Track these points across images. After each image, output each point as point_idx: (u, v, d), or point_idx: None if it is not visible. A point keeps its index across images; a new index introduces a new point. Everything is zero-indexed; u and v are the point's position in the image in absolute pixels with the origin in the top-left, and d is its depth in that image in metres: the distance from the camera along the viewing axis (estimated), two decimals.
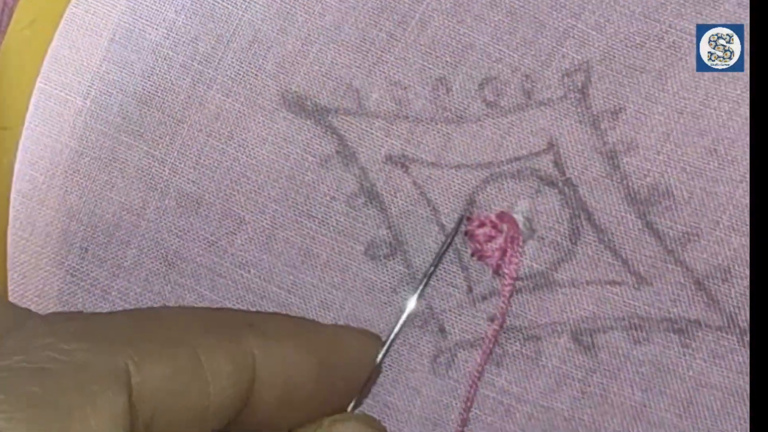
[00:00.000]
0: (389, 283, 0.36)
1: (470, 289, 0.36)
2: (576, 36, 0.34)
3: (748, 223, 0.34)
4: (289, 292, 0.35)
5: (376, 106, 0.35)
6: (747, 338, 0.35)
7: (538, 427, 0.36)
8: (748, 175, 0.34)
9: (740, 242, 0.34)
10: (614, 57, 0.34)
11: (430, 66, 0.34)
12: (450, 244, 0.34)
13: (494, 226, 0.35)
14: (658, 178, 0.35)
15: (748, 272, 0.34)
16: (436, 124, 0.35)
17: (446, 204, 0.35)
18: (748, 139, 0.34)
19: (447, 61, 0.34)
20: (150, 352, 0.26)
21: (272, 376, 0.29)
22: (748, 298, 0.35)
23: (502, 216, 0.35)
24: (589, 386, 0.36)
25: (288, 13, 0.34)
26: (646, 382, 0.35)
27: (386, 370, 0.36)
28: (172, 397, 0.26)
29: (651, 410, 0.35)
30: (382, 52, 0.35)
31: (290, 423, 0.30)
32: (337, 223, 0.35)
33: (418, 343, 0.36)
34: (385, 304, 0.36)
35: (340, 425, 0.31)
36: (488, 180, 0.35)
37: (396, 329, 0.34)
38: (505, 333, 0.35)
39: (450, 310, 0.36)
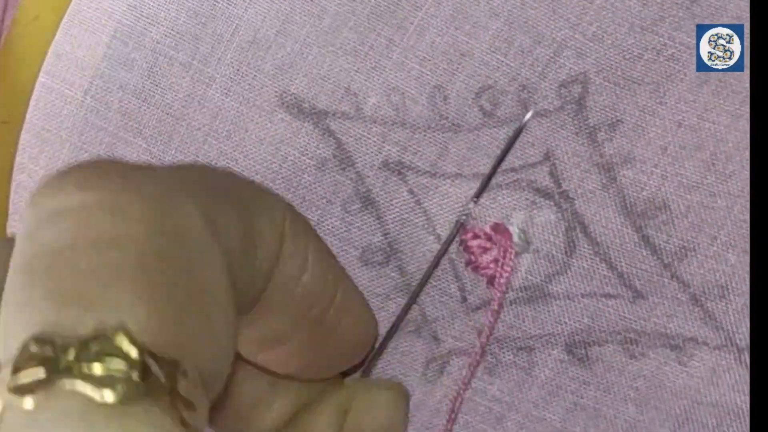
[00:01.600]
0: (383, 289, 0.42)
1: (464, 299, 0.41)
2: (573, 47, 0.39)
3: (746, 239, 0.40)
4: None
5: (374, 111, 0.41)
6: (744, 357, 0.40)
7: None
8: (746, 190, 0.40)
9: (737, 259, 0.40)
10: (612, 69, 0.39)
11: (428, 73, 0.40)
12: (443, 254, 0.41)
13: (488, 238, 0.41)
14: (655, 192, 0.40)
15: (745, 289, 0.39)
16: (433, 132, 0.41)
17: (441, 214, 0.41)
18: (746, 153, 0.39)
19: (445, 69, 0.40)
20: (224, 212, 0.29)
21: (294, 251, 0.32)
22: (746, 316, 0.40)
23: (497, 227, 0.40)
24: (582, 398, 0.41)
25: (287, 15, 0.40)
26: (641, 397, 0.41)
27: (378, 374, 0.42)
28: (235, 258, 0.29)
29: (644, 426, 0.41)
30: (380, 57, 0.40)
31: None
32: (332, 227, 0.41)
33: (411, 350, 0.42)
34: (379, 309, 0.41)
35: (377, 391, 0.38)
36: (483, 193, 0.41)
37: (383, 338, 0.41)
38: (498, 342, 0.41)
39: (443, 319, 0.41)
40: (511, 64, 0.40)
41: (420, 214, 0.41)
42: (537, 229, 0.40)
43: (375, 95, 0.40)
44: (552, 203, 0.40)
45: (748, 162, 0.39)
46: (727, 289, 0.40)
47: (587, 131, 0.40)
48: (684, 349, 0.40)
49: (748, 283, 0.40)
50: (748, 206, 0.39)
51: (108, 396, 0.22)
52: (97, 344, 0.23)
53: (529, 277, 0.41)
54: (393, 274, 0.41)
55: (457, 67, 0.40)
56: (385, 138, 0.40)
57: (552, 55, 0.39)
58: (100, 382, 0.22)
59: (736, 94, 0.39)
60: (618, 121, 0.40)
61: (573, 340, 0.41)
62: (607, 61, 0.39)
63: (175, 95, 0.41)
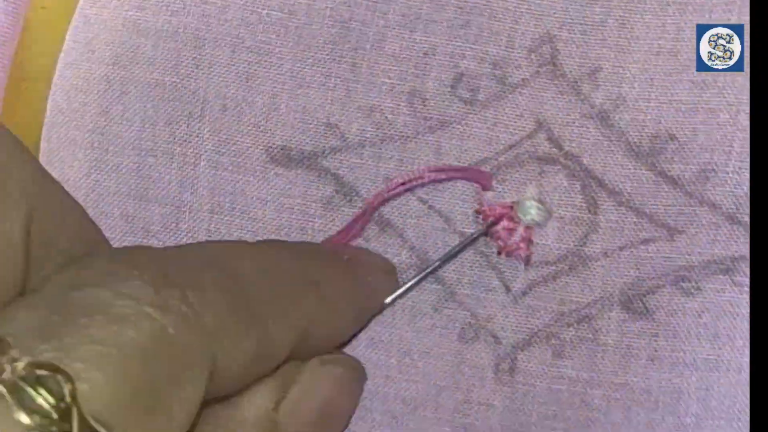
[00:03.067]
0: (429, 303, 0.47)
1: (508, 289, 0.46)
2: (529, 11, 0.45)
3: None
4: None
5: (360, 136, 0.46)
6: None
7: (619, 407, 0.47)
8: (744, 97, 0.45)
9: None
10: (572, 19, 0.43)
11: (399, 82, 0.45)
12: (474, 240, 0.46)
13: (510, 219, 0.46)
14: (656, 126, 0.44)
15: None
16: (423, 135, 0.46)
17: (457, 210, 0.45)
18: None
19: (413, 73, 0.45)
20: (235, 335, 0.34)
21: (319, 333, 0.39)
22: None
23: (513, 206, 0.46)
24: (657, 351, 0.45)
25: (248, 73, 0.46)
26: (711, 331, 0.45)
27: (452, 391, 0.48)
28: (242, 371, 0.35)
29: (726, 358, 0.46)
30: (348, 82, 0.45)
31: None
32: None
33: (476, 358, 0.47)
34: (431, 327, 0.47)
35: (330, 366, 0.41)
36: (494, 176, 0.46)
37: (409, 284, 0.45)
38: (556, 322, 0.46)
39: (496, 316, 0.45)
40: (475, 47, 0.45)
41: (437, 219, 0.46)
42: (553, 196, 0.46)
43: (356, 121, 0.46)
44: (560, 167, 0.46)
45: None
46: None
47: (570, 87, 0.45)
48: (736, 270, 0.45)
49: None
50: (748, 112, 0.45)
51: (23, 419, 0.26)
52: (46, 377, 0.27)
53: (562, 245, 0.46)
54: (432, 285, 0.47)
55: (425, 67, 0.46)
56: (380, 157, 0.46)
57: (511, 25, 0.45)
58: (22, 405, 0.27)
59: (702, 7, 0.44)
60: (596, 68, 0.45)
61: (627, 296, 0.46)
62: (565, 14, 0.44)
63: (168, 185, 0.48)
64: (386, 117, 0.45)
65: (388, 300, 0.45)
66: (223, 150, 0.46)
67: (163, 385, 0.31)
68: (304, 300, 0.38)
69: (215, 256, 0.37)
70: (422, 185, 0.45)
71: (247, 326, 0.35)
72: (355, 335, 0.45)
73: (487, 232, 0.45)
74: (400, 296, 0.45)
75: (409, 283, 0.45)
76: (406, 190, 0.45)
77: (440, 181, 0.45)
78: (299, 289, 0.39)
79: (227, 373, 0.34)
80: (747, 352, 0.45)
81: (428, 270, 0.45)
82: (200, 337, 0.32)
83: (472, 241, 0.45)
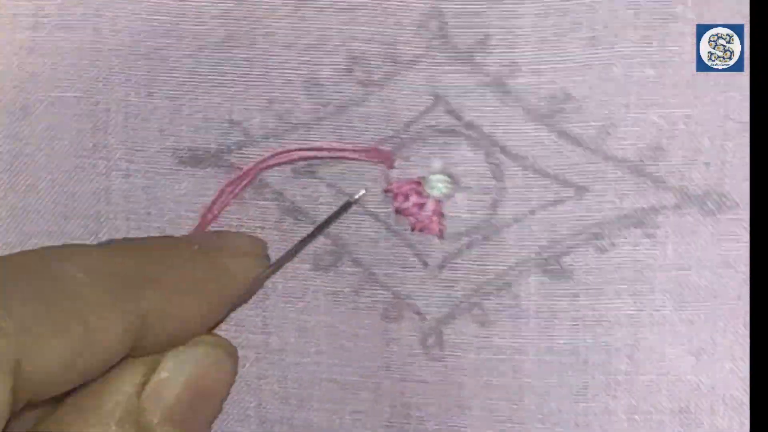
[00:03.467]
0: (349, 287, 0.48)
1: (425, 264, 0.47)
2: None
3: (659, 94, 0.45)
4: (266, 334, 0.49)
5: (263, 129, 0.46)
6: (708, 205, 0.46)
7: (553, 370, 0.48)
8: (635, 48, 0.46)
9: (660, 114, 0.45)
10: None
11: (293, 71, 0.46)
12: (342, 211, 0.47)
13: (419, 194, 0.48)
14: (552, 87, 0.45)
15: (678, 142, 0.45)
16: (324, 121, 0.46)
17: (366, 192, 0.47)
18: (626, 12, 0.46)
19: (307, 60, 0.46)
20: (42, 338, 0.35)
21: (165, 325, 0.40)
22: (690, 164, 0.45)
23: (420, 181, 0.47)
24: (579, 311, 0.46)
25: (147, 79, 0.46)
26: (632, 284, 0.46)
27: (386, 371, 0.49)
28: (59, 371, 0.36)
29: (648, 311, 0.46)
30: (245, 77, 0.46)
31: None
32: (278, 251, 0.49)
33: (403, 336, 0.48)
34: (355, 310, 0.49)
35: (193, 349, 0.42)
36: (394, 153, 0.48)
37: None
38: (476, 292, 0.47)
39: (416, 292, 0.47)
40: (365, 28, 0.47)
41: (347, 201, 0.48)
42: (459, 168, 0.48)
43: (257, 115, 0.48)
44: (462, 138, 0.47)
45: (632, 22, 0.46)
46: (661, 147, 0.46)
47: (463, 57, 0.47)
48: (647, 222, 0.46)
49: (677, 134, 0.46)
50: (647, 63, 0.46)
51: None
52: None
53: (473, 216, 0.47)
54: (350, 269, 0.49)
55: (317, 54, 0.47)
56: (285, 148, 0.48)
57: (398, 3, 0.47)
58: None
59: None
60: (486, 36, 0.46)
61: (543, 259, 0.47)
62: None
63: (84, 198, 0.50)
64: (286, 107, 0.47)
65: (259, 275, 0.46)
66: (132, 158, 0.48)
67: None
68: (137, 295, 0.39)
69: (31, 259, 0.39)
70: (306, 161, 0.47)
71: (57, 324, 0.36)
72: (224, 319, 0.46)
73: (397, 210, 0.47)
74: (276, 269, 0.47)
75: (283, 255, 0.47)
76: (289, 161, 0.47)
77: (337, 158, 0.47)
78: (131, 284, 0.40)
79: (40, 372, 0.35)
80: (668, 304, 0.46)
81: (298, 243, 0.47)
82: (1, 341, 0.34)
83: (343, 209, 0.47)
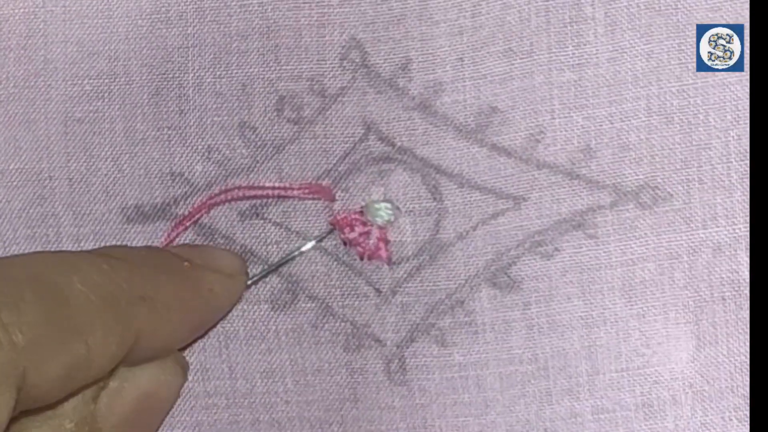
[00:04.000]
0: (308, 322, 0.48)
1: (378, 291, 0.48)
2: (331, 21, 0.47)
3: (581, 96, 0.47)
4: (233, 379, 0.50)
5: (205, 178, 0.48)
6: (643, 198, 0.47)
7: (515, 381, 0.48)
8: (555, 55, 0.47)
9: (584, 117, 0.46)
10: (375, 20, 0.46)
11: (227, 118, 0.47)
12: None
13: (363, 224, 0.49)
14: (476, 102, 0.46)
15: (605, 141, 0.46)
16: (263, 163, 0.48)
17: (312, 227, 0.48)
18: (537, 19, 0.48)
19: (237, 106, 0.47)
20: (48, 353, 0.36)
21: (151, 344, 0.41)
22: (621, 161, 0.46)
23: (363, 210, 0.48)
24: (533, 319, 0.47)
25: (84, 142, 0.47)
26: (580, 287, 0.47)
27: (352, 402, 0.50)
28: (59, 383, 0.37)
29: (600, 310, 0.47)
30: (180, 129, 0.47)
31: None
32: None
33: (365, 365, 0.48)
34: (316, 344, 0.49)
35: (142, 369, 0.43)
36: (333, 187, 0.49)
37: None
38: (431, 312, 0.48)
39: (373, 319, 0.48)
40: (289, 67, 0.48)
41: (296, 239, 0.49)
42: (398, 193, 0.49)
43: (197, 164, 0.49)
44: (397, 163, 0.48)
45: (545, 29, 0.47)
46: (590, 147, 0.47)
47: (387, 84, 0.48)
48: (586, 223, 0.47)
49: (604, 133, 0.47)
50: (565, 67, 0.47)
51: None
52: None
53: (418, 238, 0.48)
54: (307, 305, 0.50)
55: (247, 98, 0.48)
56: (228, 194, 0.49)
57: (317, 38, 0.48)
58: None
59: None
60: (407, 60, 0.48)
61: (491, 273, 0.48)
62: (365, 16, 0.47)
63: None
64: (224, 154, 0.48)
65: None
66: (80, 222, 0.49)
67: None
68: (133, 314, 0.41)
69: (40, 270, 0.39)
70: (250, 204, 0.48)
71: (62, 341, 0.37)
72: (197, 339, 0.48)
73: (344, 242, 0.48)
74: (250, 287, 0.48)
75: (252, 280, 0.48)
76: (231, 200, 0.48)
77: (279, 197, 0.48)
78: (128, 303, 0.41)
79: (41, 385, 0.37)
80: (618, 301, 0.47)
81: (266, 271, 0.48)
82: (9, 354, 0.35)
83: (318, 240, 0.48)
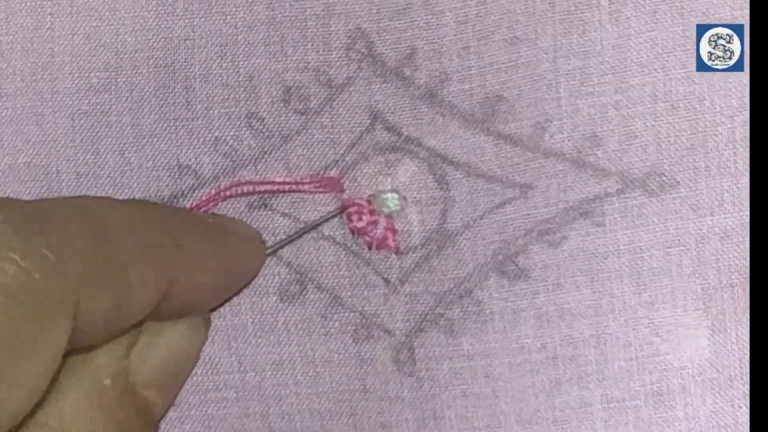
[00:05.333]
0: (317, 313, 0.48)
1: (387, 281, 0.48)
2: (336, 12, 0.46)
3: (587, 84, 0.46)
4: (243, 372, 0.50)
5: (213, 169, 0.48)
6: (650, 185, 0.47)
7: (524, 370, 0.48)
8: (561, 39, 0.47)
9: (590, 104, 0.46)
10: (379, 10, 0.46)
11: (233, 108, 0.47)
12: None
13: (371, 213, 0.49)
14: (482, 91, 0.46)
15: (611, 128, 0.46)
16: (271, 154, 0.48)
17: (322, 217, 0.48)
18: (542, 8, 0.47)
19: (244, 96, 0.47)
20: (98, 283, 0.36)
21: (182, 295, 0.41)
22: (627, 149, 0.46)
23: (370, 200, 0.48)
24: (541, 308, 0.47)
25: (92, 135, 0.47)
26: (588, 275, 0.47)
27: (362, 393, 0.50)
28: (103, 321, 0.37)
29: (608, 299, 0.47)
30: (187, 121, 0.47)
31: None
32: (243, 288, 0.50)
33: (374, 356, 0.48)
34: (326, 335, 0.50)
35: (171, 326, 0.43)
36: (341, 177, 0.48)
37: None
38: (440, 303, 0.47)
39: (382, 310, 0.48)
40: (295, 58, 0.48)
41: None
42: (405, 182, 0.49)
43: (205, 156, 0.49)
44: (404, 153, 0.48)
45: (550, 17, 0.47)
46: (596, 135, 0.47)
47: (393, 74, 0.48)
48: (593, 211, 0.47)
49: (610, 121, 0.47)
50: (571, 54, 0.47)
51: None
52: None
53: (425, 228, 0.48)
54: (316, 296, 0.50)
55: (254, 89, 0.49)
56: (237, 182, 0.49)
57: (323, 29, 0.48)
58: None
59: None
60: (413, 49, 0.48)
61: (498, 262, 0.48)
62: (371, 6, 0.47)
63: None
64: (231, 145, 0.48)
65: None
66: None
67: (27, 327, 0.34)
68: (168, 258, 0.41)
69: (84, 206, 0.40)
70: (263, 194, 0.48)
71: (110, 276, 0.38)
72: (223, 303, 0.48)
73: (352, 231, 0.48)
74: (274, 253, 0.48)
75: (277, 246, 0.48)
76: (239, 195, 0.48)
77: (289, 192, 0.48)
78: (163, 246, 0.41)
79: (89, 321, 0.37)
80: (626, 288, 0.47)
81: (288, 239, 0.48)
82: (64, 283, 0.35)
83: (326, 220, 0.48)
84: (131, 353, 0.42)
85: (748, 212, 0.45)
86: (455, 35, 0.46)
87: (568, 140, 0.46)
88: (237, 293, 0.48)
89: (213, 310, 0.47)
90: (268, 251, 0.47)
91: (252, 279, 0.48)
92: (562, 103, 0.46)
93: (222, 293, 0.46)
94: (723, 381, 0.46)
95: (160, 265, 0.40)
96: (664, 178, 0.46)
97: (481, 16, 0.46)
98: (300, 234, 0.48)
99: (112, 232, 0.39)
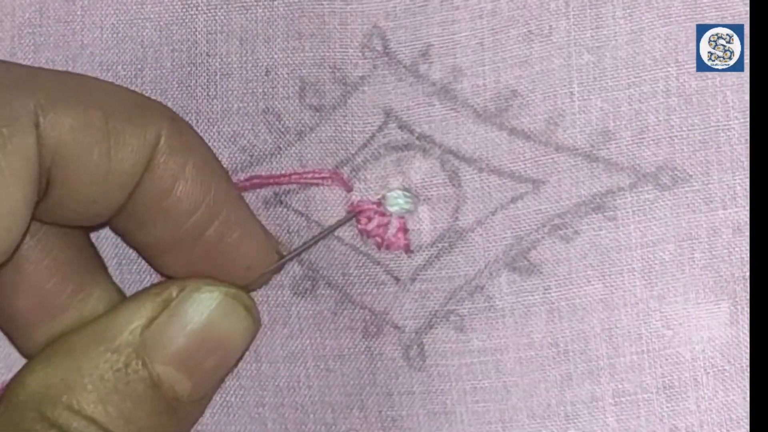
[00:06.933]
0: (328, 309, 0.48)
1: (397, 279, 0.47)
2: (354, 9, 0.47)
3: (600, 78, 0.46)
4: (258, 362, 0.50)
5: (231, 164, 0.47)
6: (662, 179, 0.47)
7: (535, 365, 0.48)
8: (575, 34, 0.47)
9: (603, 98, 0.46)
10: (396, 7, 0.46)
11: (250, 104, 0.47)
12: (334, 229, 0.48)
13: (381, 214, 0.49)
14: (496, 86, 0.46)
15: (624, 123, 0.46)
16: (286, 149, 0.47)
17: (331, 217, 0.48)
18: (556, 3, 0.47)
19: (262, 92, 0.47)
20: (61, 101, 0.37)
21: (169, 166, 0.40)
22: (640, 143, 0.46)
23: (381, 201, 0.47)
24: (552, 303, 0.47)
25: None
26: (600, 269, 0.46)
27: (372, 387, 0.49)
28: (74, 151, 0.37)
29: (620, 293, 0.46)
30: (206, 115, 0.48)
31: (172, 235, 0.42)
32: (255, 282, 0.50)
33: (385, 351, 0.48)
34: (336, 330, 0.49)
35: (207, 293, 0.42)
36: (353, 175, 0.49)
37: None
38: (451, 299, 0.47)
39: (392, 307, 0.47)
40: (311, 54, 0.49)
41: (316, 228, 0.49)
42: (417, 180, 0.49)
43: (223, 150, 0.49)
44: (415, 151, 0.48)
45: (564, 11, 0.48)
46: (609, 129, 0.47)
47: (407, 71, 0.48)
48: (605, 205, 0.47)
49: (622, 115, 0.47)
50: (584, 49, 0.48)
51: None
52: None
53: (437, 225, 0.48)
54: (326, 292, 0.50)
55: (271, 84, 0.49)
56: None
57: (340, 26, 0.49)
58: None
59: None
60: (427, 46, 0.48)
61: (510, 258, 0.48)
62: (388, 3, 0.48)
63: None
64: (249, 140, 0.48)
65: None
66: None
67: None
68: (155, 114, 0.41)
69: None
70: (273, 191, 0.48)
71: (76, 94, 0.39)
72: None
73: (361, 232, 0.48)
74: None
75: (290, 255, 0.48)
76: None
77: (298, 183, 0.48)
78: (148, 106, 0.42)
79: (54, 135, 0.37)
80: (638, 282, 0.47)
81: (293, 253, 0.48)
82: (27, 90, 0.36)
83: (335, 228, 0.48)
84: (150, 326, 0.42)
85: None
86: (470, 30, 0.47)
87: (581, 135, 0.46)
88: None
89: None
90: (283, 259, 0.47)
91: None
92: (575, 97, 0.46)
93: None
94: (735, 373, 0.46)
95: (143, 115, 0.40)
96: (676, 172, 0.46)
97: (495, 12, 0.46)
98: (315, 241, 0.47)
99: (98, 89, 0.41)
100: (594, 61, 0.46)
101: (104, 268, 0.45)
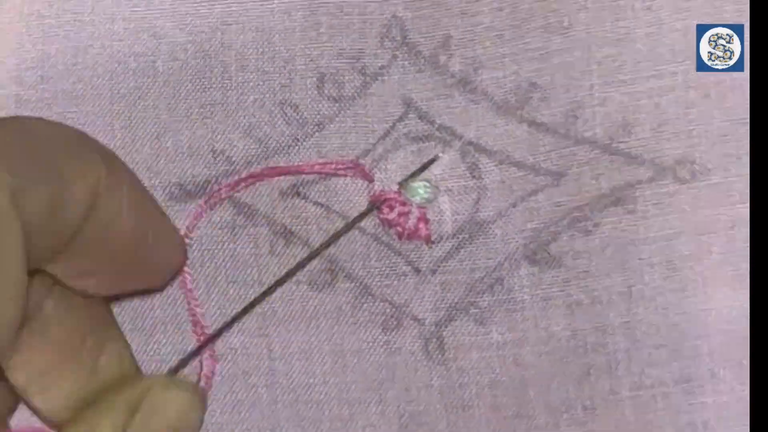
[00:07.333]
0: (347, 303, 0.48)
1: (417, 270, 0.47)
2: (373, 0, 0.49)
3: (620, 72, 0.46)
4: (272, 359, 0.50)
5: (246, 155, 0.48)
6: (681, 172, 0.47)
7: (553, 359, 0.48)
8: (594, 27, 0.46)
9: (623, 91, 0.46)
10: None
11: (268, 95, 0.47)
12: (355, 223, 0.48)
13: (402, 204, 0.49)
14: (516, 78, 0.46)
15: (643, 116, 0.46)
16: (304, 141, 0.48)
17: (353, 207, 0.47)
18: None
19: (280, 84, 0.47)
20: (35, 176, 0.37)
21: (108, 209, 0.40)
22: (659, 136, 0.46)
23: (401, 190, 0.47)
24: (572, 295, 0.46)
25: (129, 119, 0.48)
26: (619, 262, 0.46)
27: (391, 381, 0.48)
28: (46, 215, 0.37)
29: (639, 286, 0.46)
30: (222, 107, 0.47)
31: (109, 271, 0.42)
32: (273, 276, 0.50)
33: (404, 345, 0.48)
34: (355, 325, 0.49)
35: (175, 391, 0.43)
36: (373, 166, 0.49)
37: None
38: (471, 291, 0.47)
39: (412, 299, 0.47)
40: (330, 45, 0.49)
41: (337, 219, 0.49)
42: (437, 171, 0.49)
43: (239, 142, 0.49)
44: (437, 141, 0.49)
45: (584, 4, 0.48)
46: (627, 123, 0.47)
47: (428, 62, 0.48)
48: (625, 199, 0.47)
49: (642, 109, 0.47)
50: (604, 42, 0.48)
51: None
52: None
53: (457, 217, 0.48)
54: (346, 285, 0.50)
55: (289, 75, 0.49)
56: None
57: (359, 17, 0.48)
58: None
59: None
60: (447, 37, 0.48)
61: (530, 250, 0.48)
62: None
63: None
64: (265, 132, 0.48)
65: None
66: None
67: None
68: (99, 158, 0.41)
69: (20, 121, 0.42)
70: (290, 182, 0.48)
71: (45, 170, 0.38)
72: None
73: (382, 222, 0.48)
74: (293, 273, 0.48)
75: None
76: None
77: (317, 173, 0.48)
78: (95, 151, 0.41)
79: (33, 212, 0.37)
80: (657, 275, 0.47)
81: (310, 254, 0.47)
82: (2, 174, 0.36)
83: (354, 222, 0.47)
84: (132, 421, 0.42)
85: None
86: (490, 22, 0.46)
87: (600, 127, 0.46)
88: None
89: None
90: (307, 257, 0.47)
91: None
92: (595, 90, 0.46)
93: (137, 237, 0.44)
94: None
95: (91, 164, 0.40)
96: (695, 166, 0.46)
97: (515, 4, 0.46)
98: (338, 236, 0.47)
99: (39, 135, 0.40)
100: (613, 54, 0.46)
101: (115, 320, 0.46)
